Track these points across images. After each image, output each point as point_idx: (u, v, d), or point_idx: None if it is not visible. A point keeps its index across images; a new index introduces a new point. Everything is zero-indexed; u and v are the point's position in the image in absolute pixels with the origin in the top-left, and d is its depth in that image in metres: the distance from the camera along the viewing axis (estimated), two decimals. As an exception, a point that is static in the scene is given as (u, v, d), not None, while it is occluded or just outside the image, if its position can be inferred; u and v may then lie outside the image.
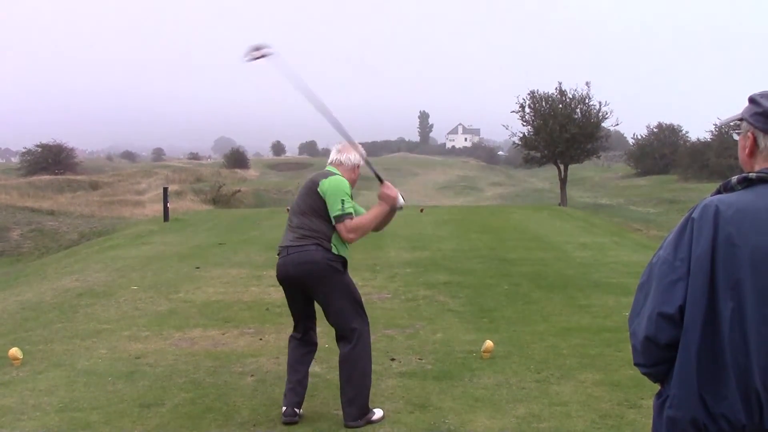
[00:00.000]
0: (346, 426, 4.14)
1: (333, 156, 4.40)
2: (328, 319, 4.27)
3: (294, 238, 4.19)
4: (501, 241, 13.25)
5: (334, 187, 4.16)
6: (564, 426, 4.15)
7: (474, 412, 4.39)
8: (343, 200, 4.12)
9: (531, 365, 5.35)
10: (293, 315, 4.41)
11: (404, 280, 9.06)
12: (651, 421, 4.39)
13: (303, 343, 4.39)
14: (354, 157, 4.36)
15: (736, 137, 2.03)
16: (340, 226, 4.10)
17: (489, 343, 5.57)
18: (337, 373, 4.29)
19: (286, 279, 4.24)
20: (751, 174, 1.87)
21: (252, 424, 4.21)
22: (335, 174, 4.27)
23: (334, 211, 4.11)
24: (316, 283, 4.15)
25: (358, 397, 4.17)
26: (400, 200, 4.33)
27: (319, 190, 4.18)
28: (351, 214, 4.13)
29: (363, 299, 4.37)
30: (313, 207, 4.18)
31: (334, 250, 4.15)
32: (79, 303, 7.83)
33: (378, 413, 4.24)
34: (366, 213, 4.28)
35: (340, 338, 4.25)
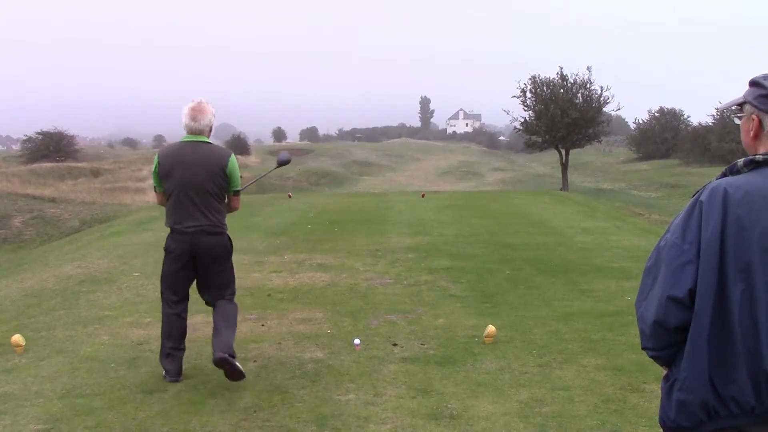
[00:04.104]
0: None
1: (201, 122, 4.70)
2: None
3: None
4: (502, 227, 13.23)
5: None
6: (566, 410, 4.15)
7: (476, 396, 4.40)
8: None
9: (533, 350, 5.35)
10: None
11: (406, 265, 9.05)
12: (653, 405, 4.38)
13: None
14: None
15: (737, 122, 2.01)
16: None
17: (491, 328, 5.57)
18: (341, 357, 5.14)
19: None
20: (757, 156, 1.87)
21: (254, 410, 4.22)
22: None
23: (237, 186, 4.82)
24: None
25: None
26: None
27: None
28: None
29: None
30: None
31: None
32: (81, 290, 7.83)
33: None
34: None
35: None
